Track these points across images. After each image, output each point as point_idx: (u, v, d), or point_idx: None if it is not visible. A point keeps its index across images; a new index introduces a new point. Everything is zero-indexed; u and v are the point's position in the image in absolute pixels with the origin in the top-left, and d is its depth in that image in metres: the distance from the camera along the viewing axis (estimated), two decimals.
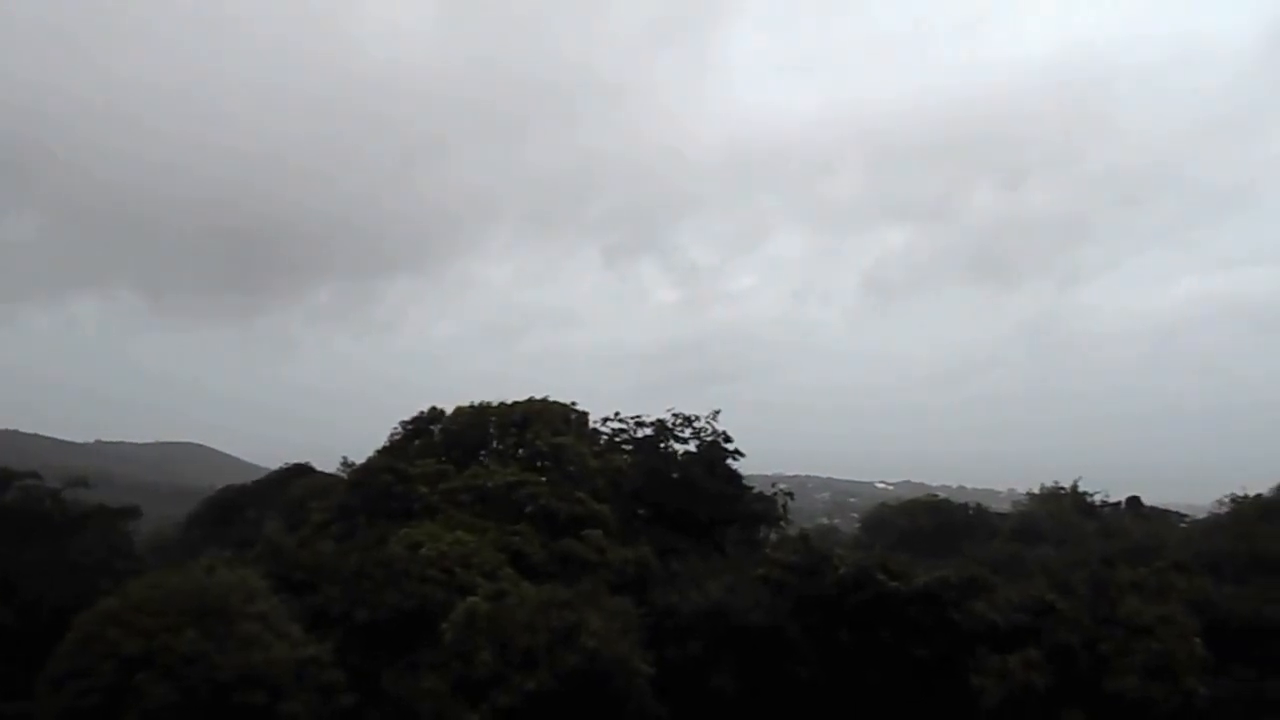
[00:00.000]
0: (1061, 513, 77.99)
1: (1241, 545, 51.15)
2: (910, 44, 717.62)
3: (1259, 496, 63.95)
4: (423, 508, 50.31)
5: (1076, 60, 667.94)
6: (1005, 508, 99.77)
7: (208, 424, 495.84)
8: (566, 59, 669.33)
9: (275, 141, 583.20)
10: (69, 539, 50.51)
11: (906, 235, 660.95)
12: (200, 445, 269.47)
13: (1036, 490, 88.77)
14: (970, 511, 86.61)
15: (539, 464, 54.21)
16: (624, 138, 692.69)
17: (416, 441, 59.07)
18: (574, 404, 60.33)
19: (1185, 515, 79.92)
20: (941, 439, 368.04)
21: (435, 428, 60.06)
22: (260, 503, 68.77)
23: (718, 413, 60.42)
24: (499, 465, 54.24)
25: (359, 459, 59.58)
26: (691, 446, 60.25)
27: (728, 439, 59.85)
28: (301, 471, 72.82)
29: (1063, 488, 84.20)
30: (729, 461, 59.59)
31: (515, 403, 58.89)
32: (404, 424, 60.40)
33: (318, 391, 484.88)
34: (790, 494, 64.88)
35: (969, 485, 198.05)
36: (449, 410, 60.30)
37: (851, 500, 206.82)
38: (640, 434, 61.22)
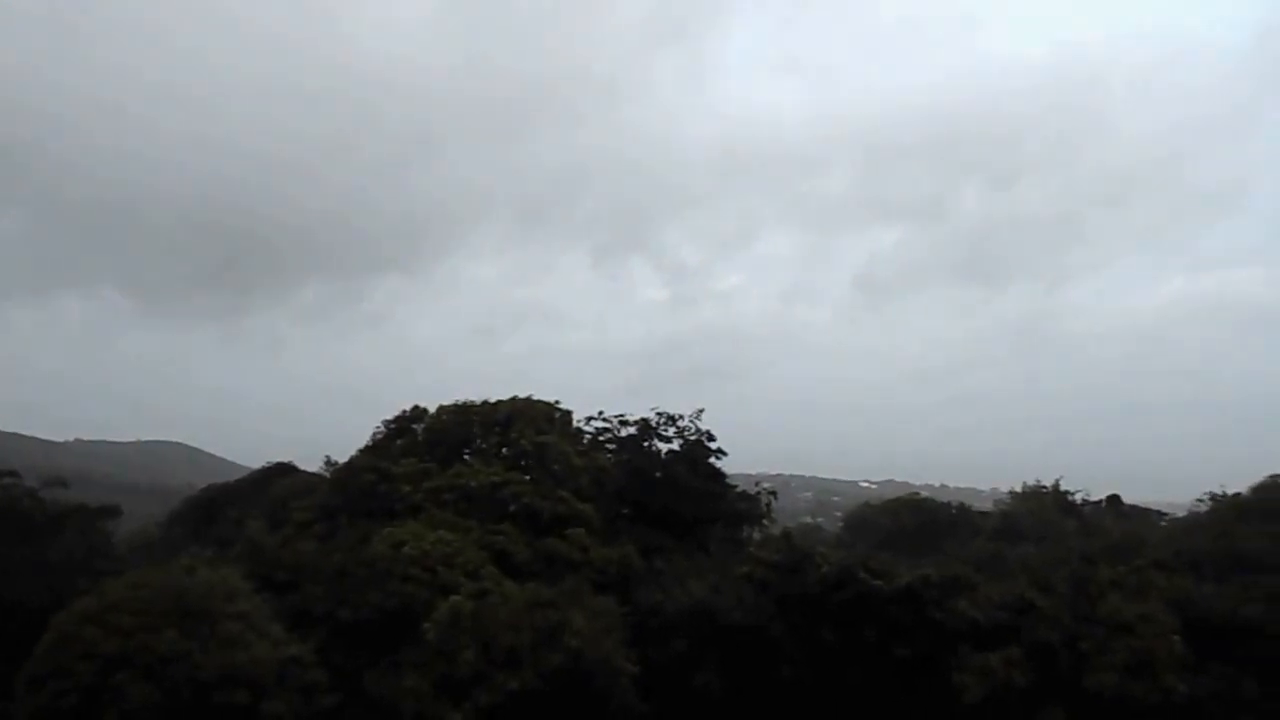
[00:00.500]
0: (1043, 511, 78.32)
1: (1221, 544, 51.51)
2: (904, 44, 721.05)
3: (1238, 495, 64.41)
4: (406, 507, 50.17)
5: (1069, 60, 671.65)
6: (988, 506, 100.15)
7: (190, 423, 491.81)
8: (563, 58, 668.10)
9: (267, 137, 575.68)
10: (48, 539, 50.14)
11: (897, 235, 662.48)
12: (182, 444, 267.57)
13: (1018, 489, 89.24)
14: (953, 510, 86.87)
15: (522, 463, 54.09)
16: (617, 137, 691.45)
17: (399, 441, 58.85)
18: (558, 403, 60.32)
19: (1165, 514, 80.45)
20: (926, 438, 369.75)
21: (418, 427, 59.84)
22: (242, 502, 68.30)
23: (701, 411, 60.49)
24: (482, 464, 54.09)
25: (345, 458, 59.39)
26: (675, 445, 60.23)
27: (711, 438, 59.90)
28: (284, 471, 72.45)
29: (1044, 486, 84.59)
30: (712, 460, 59.60)
31: (499, 401, 58.77)
32: (387, 423, 60.18)
33: (304, 390, 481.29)
34: (774, 493, 64.93)
35: (951, 484, 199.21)
36: (432, 409, 60.17)
37: (835, 499, 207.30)
38: (624, 433, 61.15)
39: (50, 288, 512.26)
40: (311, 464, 69.30)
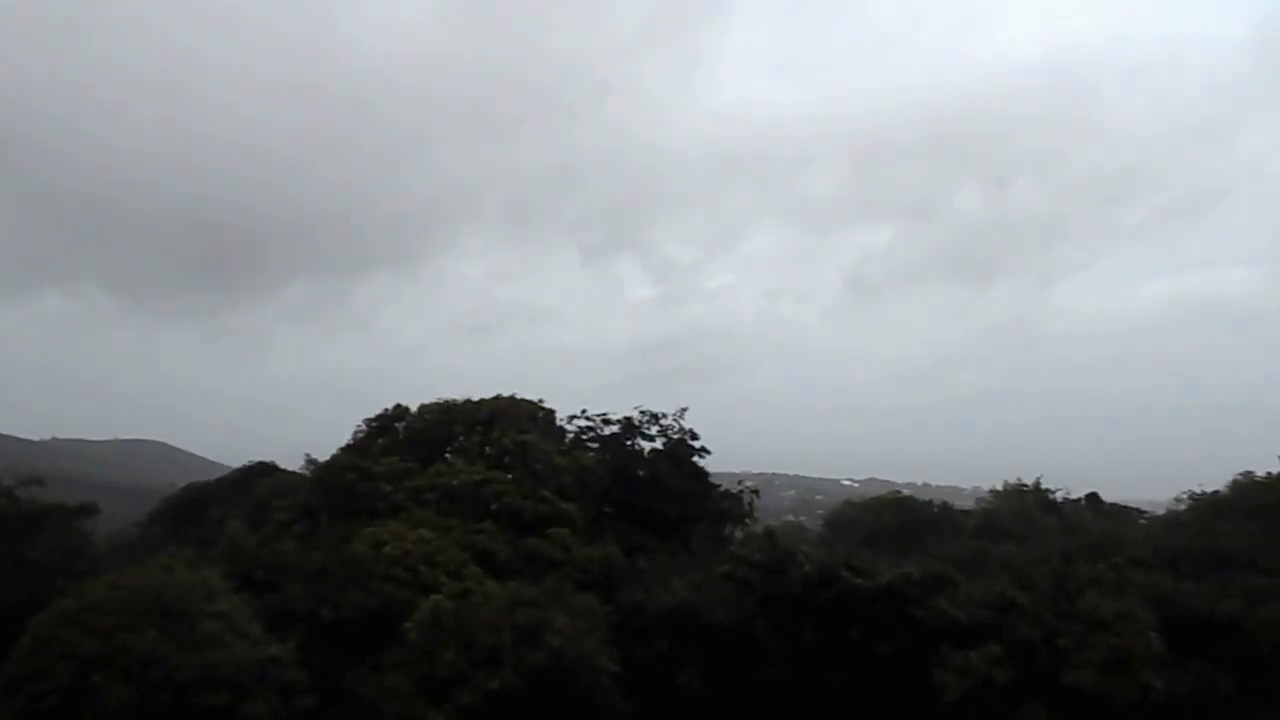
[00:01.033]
0: (1024, 510, 78.80)
1: (1199, 542, 51.89)
2: (897, 44, 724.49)
3: (1216, 493, 64.89)
4: (387, 506, 50.00)
5: (1061, 62, 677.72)
6: (969, 505, 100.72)
7: (172, 422, 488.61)
8: (559, 57, 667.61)
9: (256, 133, 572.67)
10: (25, 539, 49.76)
11: (888, 234, 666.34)
12: (162, 443, 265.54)
13: (1000, 488, 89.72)
14: (935, 509, 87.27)
15: (505, 462, 53.95)
16: (610, 136, 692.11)
17: (381, 439, 58.66)
18: (541, 401, 60.30)
19: (1144, 512, 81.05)
20: (910, 437, 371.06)
21: (400, 425, 59.70)
22: (223, 502, 67.92)
23: (685, 410, 60.56)
24: (464, 463, 53.97)
25: (327, 457, 59.07)
26: (659, 444, 60.29)
27: (694, 436, 59.97)
28: (265, 470, 72.08)
29: (1025, 485, 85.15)
30: (696, 459, 59.68)
31: (481, 400, 58.69)
32: (368, 422, 59.99)
33: (289, 389, 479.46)
34: (756, 491, 65.06)
35: (933, 483, 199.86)
36: (415, 408, 59.98)
37: (818, 498, 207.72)
38: (607, 432, 61.16)
39: (32, 285, 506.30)
40: (296, 463, 69.04)
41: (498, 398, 58.80)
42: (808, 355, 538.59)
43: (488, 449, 55.73)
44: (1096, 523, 70.75)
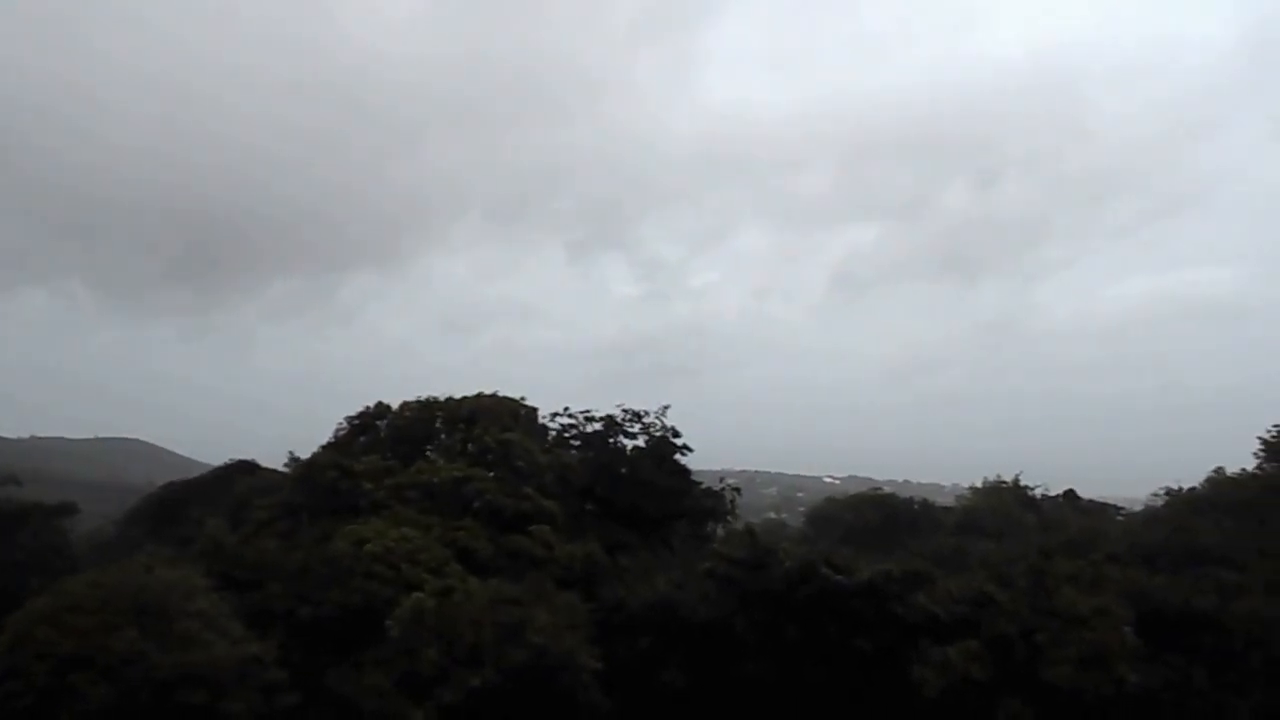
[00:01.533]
0: (1003, 507, 79.30)
1: (1175, 538, 52.48)
2: (886, 43, 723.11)
3: (1192, 490, 65.55)
4: (368, 504, 49.91)
5: (1050, 62, 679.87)
6: (949, 502, 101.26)
7: (153, 420, 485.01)
8: (553, 53, 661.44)
9: (246, 128, 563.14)
10: (2, 538, 49.42)
11: (875, 233, 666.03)
12: (142, 441, 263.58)
13: (979, 484, 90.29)
14: (915, 506, 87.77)
15: (487, 459, 53.99)
16: (600, 133, 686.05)
17: (362, 437, 58.58)
18: (523, 399, 60.32)
19: (1122, 508, 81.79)
20: (892, 434, 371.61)
21: (382, 423, 59.61)
22: (203, 500, 67.59)
23: (667, 408, 60.76)
24: (446, 461, 53.97)
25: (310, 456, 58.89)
26: (641, 442, 60.44)
27: (676, 434, 60.15)
28: (246, 468, 71.73)
29: (1004, 482, 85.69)
30: (678, 457, 59.85)
31: (463, 398, 58.67)
32: (350, 420, 59.86)
33: (273, 387, 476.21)
34: (738, 489, 65.38)
35: (914, 480, 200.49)
36: (397, 405, 59.89)
37: (799, 495, 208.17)
38: (589, 429, 61.26)
39: (14, 282, 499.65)
40: (279, 461, 68.66)
41: (479, 395, 58.81)
42: (792, 353, 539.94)
43: (469, 447, 55.75)
44: (1074, 519, 71.28)
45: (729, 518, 61.74)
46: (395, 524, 46.71)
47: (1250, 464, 59.68)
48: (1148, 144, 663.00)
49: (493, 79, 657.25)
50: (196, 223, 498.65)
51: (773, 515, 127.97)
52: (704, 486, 61.92)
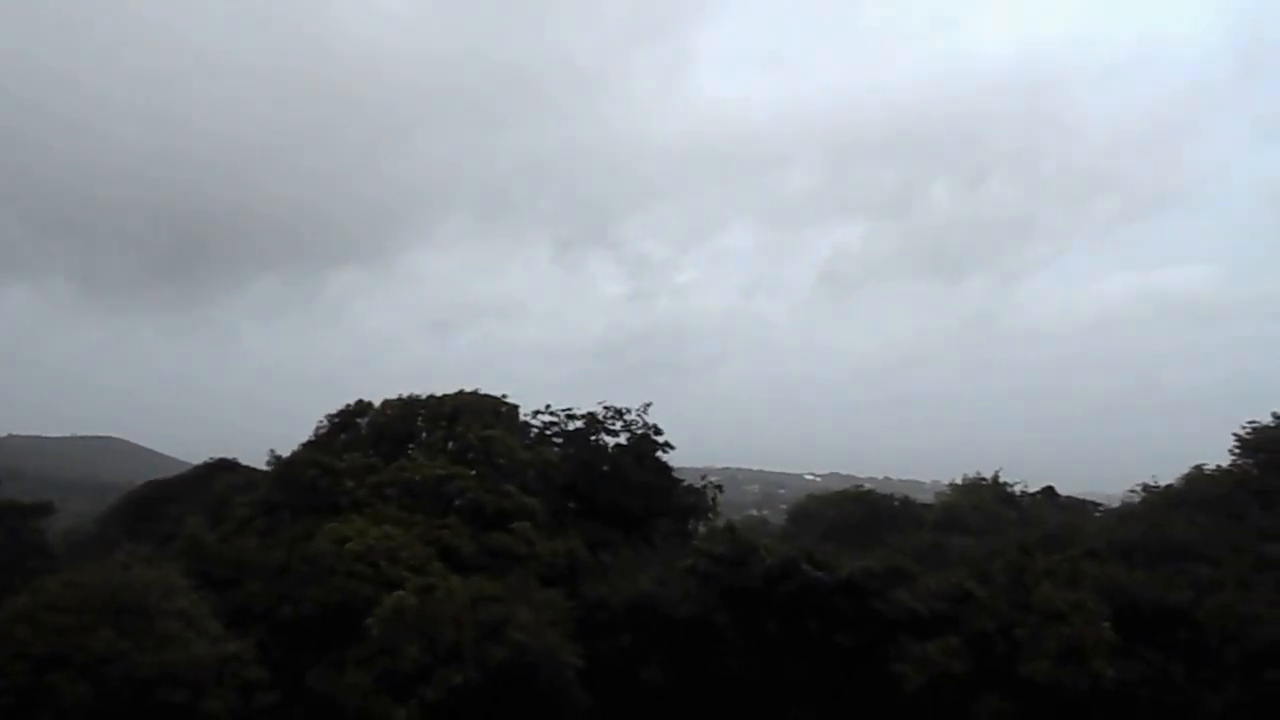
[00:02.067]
0: (983, 503, 79.70)
1: (1151, 533, 52.89)
2: (874, 42, 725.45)
3: (1169, 486, 66.09)
4: (349, 502, 49.70)
5: (1036, 62, 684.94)
6: (930, 499, 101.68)
7: (133, 418, 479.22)
8: (546, 50, 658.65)
9: (233, 121, 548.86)
10: None
11: (861, 230, 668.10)
12: (121, 439, 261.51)
13: (959, 481, 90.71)
14: (895, 503, 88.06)
15: (468, 457, 53.91)
16: (590, 130, 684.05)
17: (344, 435, 58.33)
18: (505, 397, 60.22)
19: (1100, 505, 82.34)
20: (874, 432, 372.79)
21: (363, 421, 59.38)
22: (183, 498, 67.09)
23: (648, 405, 60.86)
24: (427, 458, 53.84)
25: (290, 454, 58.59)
26: (622, 439, 60.50)
27: (658, 431, 60.27)
28: (226, 466, 71.21)
29: (984, 479, 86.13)
30: (659, 454, 59.96)
31: (445, 395, 58.51)
32: (331, 417, 59.60)
33: (257, 385, 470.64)
34: (720, 486, 65.55)
35: (894, 477, 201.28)
36: (379, 403, 59.69)
37: (781, 492, 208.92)
38: (571, 427, 61.26)
39: None
40: (262, 460, 68.24)
41: (461, 393, 58.67)
42: (777, 351, 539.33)
43: (451, 444, 55.66)
44: (1053, 516, 71.77)
45: (710, 515, 61.87)
46: (376, 522, 46.58)
47: (1227, 461, 60.31)
48: (1131, 144, 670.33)
49: (486, 75, 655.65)
50: (182, 218, 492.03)
51: (754, 512, 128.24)
52: (686, 484, 62.05)
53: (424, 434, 57.74)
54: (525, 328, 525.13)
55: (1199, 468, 62.87)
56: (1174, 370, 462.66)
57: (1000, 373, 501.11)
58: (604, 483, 57.70)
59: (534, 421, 61.21)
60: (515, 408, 60.26)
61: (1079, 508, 79.41)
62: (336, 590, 41.79)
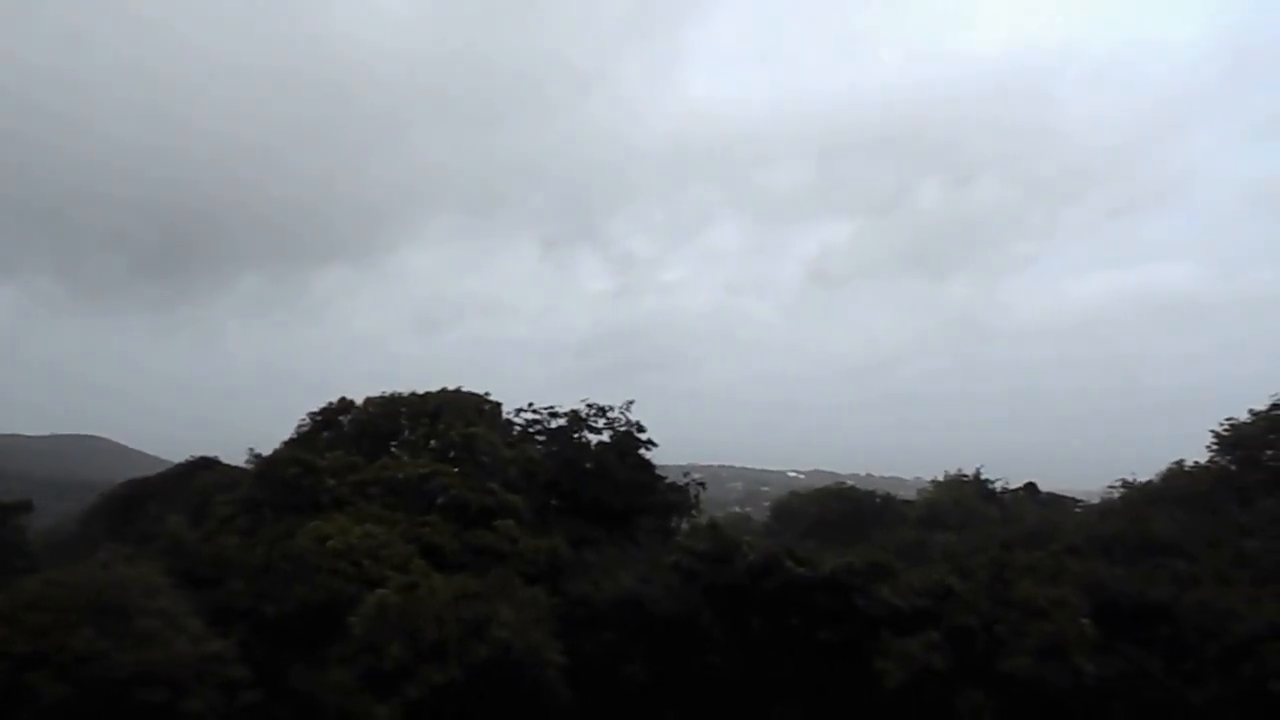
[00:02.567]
0: (964, 500, 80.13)
1: (1131, 529, 53.31)
2: (864, 42, 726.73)
3: (1148, 483, 66.64)
4: (331, 500, 49.59)
5: (1025, 63, 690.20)
6: (912, 495, 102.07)
7: (117, 417, 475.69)
8: (537, 49, 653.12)
9: (221, 119, 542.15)
10: None
11: (850, 229, 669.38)
12: (102, 438, 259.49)
13: (941, 478, 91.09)
14: (878, 499, 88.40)
15: (451, 455, 53.88)
16: (582, 128, 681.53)
17: (326, 433, 58.16)
18: (488, 394, 60.19)
19: (1080, 501, 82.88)
20: (856, 429, 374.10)
21: (345, 419, 59.22)
22: (164, 497, 66.77)
23: (631, 403, 60.93)
24: (410, 456, 53.78)
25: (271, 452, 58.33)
26: (605, 437, 60.53)
27: (641, 429, 60.35)
28: (207, 464, 70.89)
29: (966, 476, 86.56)
30: (642, 451, 60.01)
31: (428, 393, 58.43)
32: (313, 415, 59.44)
33: (240, 383, 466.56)
34: (703, 484, 65.70)
35: (876, 474, 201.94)
36: (362, 401, 59.51)
37: (764, 489, 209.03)
38: (554, 425, 61.27)
39: None
40: (242, 458, 67.96)
41: (444, 391, 58.61)
42: (763, 348, 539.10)
43: (434, 442, 55.61)
44: (1034, 512, 72.23)
45: (694, 512, 62.02)
46: (359, 520, 46.50)
47: (1206, 458, 60.88)
48: (1118, 145, 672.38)
49: (474, 74, 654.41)
50: (168, 216, 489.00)
51: (737, 509, 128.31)
52: (669, 481, 62.14)
53: (407, 432, 57.68)
54: (512, 325, 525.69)
55: (1178, 464, 63.48)
56: (1157, 368, 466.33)
57: (985, 370, 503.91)
58: (587, 480, 57.72)
59: (517, 419, 61.22)
60: (498, 405, 60.29)
61: (1060, 504, 79.94)
62: (319, 588, 41.65)
